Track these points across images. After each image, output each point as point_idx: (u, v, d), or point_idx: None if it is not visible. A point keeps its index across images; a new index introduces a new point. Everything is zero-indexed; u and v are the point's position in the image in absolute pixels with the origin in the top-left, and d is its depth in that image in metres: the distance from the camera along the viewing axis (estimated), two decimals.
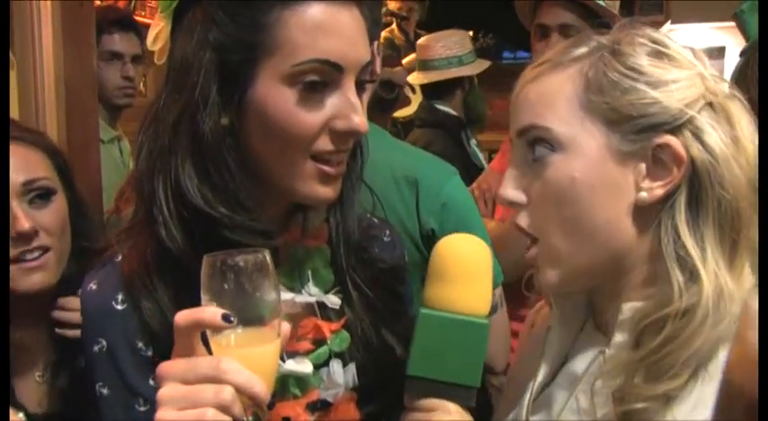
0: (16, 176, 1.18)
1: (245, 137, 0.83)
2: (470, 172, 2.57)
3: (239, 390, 0.66)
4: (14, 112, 1.77)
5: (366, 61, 0.84)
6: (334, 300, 0.92)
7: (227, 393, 0.66)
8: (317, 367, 0.90)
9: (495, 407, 1.99)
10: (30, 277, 1.18)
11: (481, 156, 2.95)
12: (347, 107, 0.83)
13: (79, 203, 1.30)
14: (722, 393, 0.32)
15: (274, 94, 0.81)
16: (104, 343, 0.85)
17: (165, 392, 0.67)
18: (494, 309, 1.47)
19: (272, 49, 0.80)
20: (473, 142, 2.91)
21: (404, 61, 3.06)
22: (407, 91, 2.85)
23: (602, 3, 1.93)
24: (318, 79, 0.81)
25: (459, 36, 2.90)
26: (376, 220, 1.06)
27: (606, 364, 0.81)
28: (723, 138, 0.78)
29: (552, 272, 0.84)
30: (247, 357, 0.68)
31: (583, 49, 0.84)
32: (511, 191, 0.85)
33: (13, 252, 1.16)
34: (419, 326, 0.80)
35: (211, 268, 0.70)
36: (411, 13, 3.86)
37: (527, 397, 0.90)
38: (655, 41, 0.82)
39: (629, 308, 0.81)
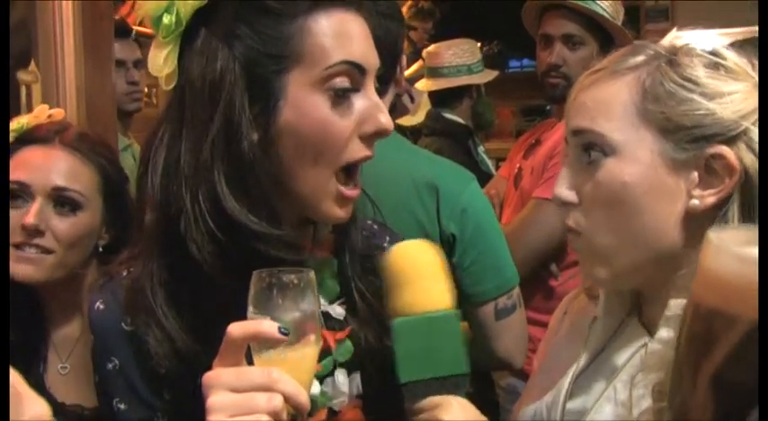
0: (54, 178, 1.26)
1: (275, 150, 0.83)
2: (480, 179, 2.60)
3: (287, 399, 0.70)
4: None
5: (378, 66, 0.87)
6: (339, 311, 0.93)
7: (278, 401, 0.69)
8: (322, 377, 0.91)
9: (501, 405, 2.03)
10: (20, 266, 1.24)
11: (490, 163, 2.97)
12: (373, 108, 0.85)
13: (122, 227, 1.33)
14: (688, 311, 0.39)
15: (306, 102, 0.82)
16: (117, 361, 0.87)
17: (216, 400, 0.69)
18: (512, 309, 1.52)
19: (301, 57, 0.82)
20: (481, 149, 2.93)
21: (407, 72, 3.08)
22: (406, 100, 2.87)
23: (605, 14, 1.98)
24: (349, 85, 0.83)
25: (468, 45, 2.92)
26: (376, 227, 1.06)
27: (649, 358, 0.83)
28: None
29: (602, 269, 0.86)
30: (290, 368, 0.72)
31: (640, 58, 0.84)
32: (564, 190, 0.87)
33: (18, 239, 1.24)
34: (396, 335, 0.82)
35: (262, 283, 0.73)
36: (420, 24, 3.89)
37: (566, 382, 0.92)
38: (712, 53, 0.82)
39: (676, 304, 0.82)
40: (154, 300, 0.84)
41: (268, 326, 0.71)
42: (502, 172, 2.36)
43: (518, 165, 2.16)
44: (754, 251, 0.36)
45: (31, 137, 1.29)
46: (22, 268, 1.24)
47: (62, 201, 1.26)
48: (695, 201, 0.80)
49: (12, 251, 1.24)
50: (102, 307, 0.88)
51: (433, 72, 2.90)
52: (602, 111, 0.83)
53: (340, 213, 0.88)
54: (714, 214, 0.80)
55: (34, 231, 1.23)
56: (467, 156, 2.78)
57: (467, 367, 0.84)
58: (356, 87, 0.84)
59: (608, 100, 0.84)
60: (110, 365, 0.87)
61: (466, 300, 1.51)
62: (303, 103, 0.82)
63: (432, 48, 3.00)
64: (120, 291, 0.88)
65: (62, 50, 1.86)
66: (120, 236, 1.33)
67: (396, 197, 1.43)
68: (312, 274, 0.75)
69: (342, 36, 0.83)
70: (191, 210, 0.82)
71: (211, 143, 0.82)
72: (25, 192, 1.25)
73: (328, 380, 0.91)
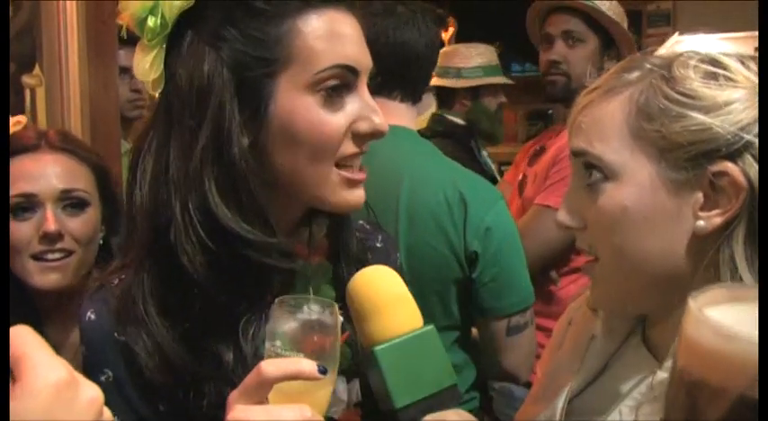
0: (57, 183, 1.28)
1: (267, 153, 0.82)
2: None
3: None
4: (42, 126, 1.85)
5: (371, 66, 0.86)
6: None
7: None
8: None
9: (494, 408, 2.04)
10: (47, 276, 1.27)
11: (493, 166, 2.95)
12: (367, 109, 0.84)
13: (117, 221, 1.38)
14: (674, 378, 0.38)
15: (298, 104, 0.80)
16: (110, 373, 0.84)
17: None
18: (524, 326, 1.55)
19: (291, 60, 0.80)
20: (484, 153, 2.91)
21: None
22: None
23: (603, 8, 1.99)
24: (340, 83, 0.81)
25: (479, 49, 2.87)
26: (368, 227, 1.05)
27: (657, 387, 0.79)
28: None
29: (604, 291, 0.85)
30: (311, 404, 0.71)
31: (635, 74, 0.81)
32: (566, 215, 0.85)
33: (38, 249, 1.26)
34: (381, 363, 0.79)
35: (285, 313, 0.72)
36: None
37: (560, 403, 0.90)
38: (710, 61, 0.77)
39: None
40: (145, 309, 0.82)
41: (309, 367, 0.70)
42: (507, 177, 2.36)
43: (523, 172, 2.17)
44: (734, 326, 0.36)
45: (16, 147, 1.30)
46: (48, 277, 1.27)
47: (71, 202, 1.30)
48: (701, 223, 0.76)
49: (31, 263, 1.26)
50: (93, 317, 0.86)
51: (444, 72, 2.88)
52: (597, 133, 0.80)
53: (352, 198, 0.86)
54: (721, 233, 0.76)
55: (57, 236, 1.26)
56: (470, 157, 2.77)
57: (454, 377, 0.83)
58: (348, 88, 0.83)
59: (603, 121, 0.80)
60: (102, 377, 0.84)
61: (480, 314, 1.55)
62: (294, 105, 0.80)
63: (446, 48, 2.98)
64: (111, 300, 0.85)
65: (66, 54, 1.86)
66: (115, 227, 1.37)
67: (429, 209, 1.47)
68: (336, 308, 0.74)
69: (333, 37, 0.81)
70: (180, 220, 0.80)
71: (201, 150, 0.79)
72: (33, 202, 1.27)
73: None
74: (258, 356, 0.81)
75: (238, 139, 0.79)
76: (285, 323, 0.72)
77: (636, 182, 0.78)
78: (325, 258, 0.94)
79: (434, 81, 2.84)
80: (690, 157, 0.75)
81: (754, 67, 0.77)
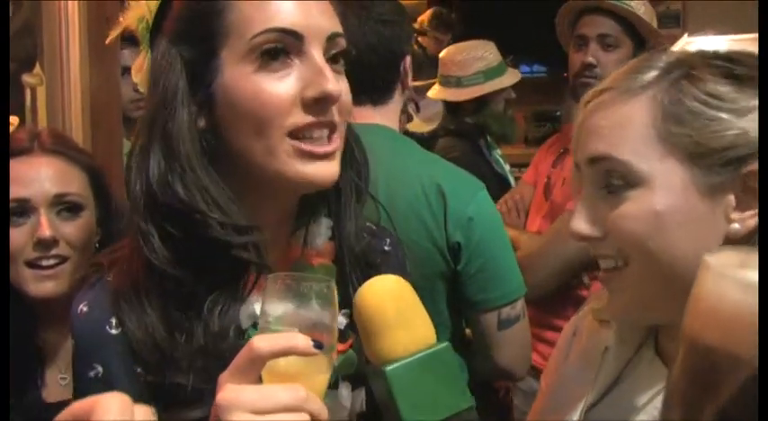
0: (50, 187, 1.25)
1: (222, 133, 0.83)
2: (493, 180, 2.57)
3: (312, 418, 0.66)
4: (43, 126, 1.84)
5: (331, 33, 0.83)
6: (340, 320, 0.85)
7: None
8: None
9: (517, 406, 2.01)
10: (42, 283, 1.24)
11: (507, 166, 2.91)
12: (315, 73, 0.80)
13: (112, 224, 1.35)
14: (683, 344, 0.33)
15: (237, 75, 0.80)
16: (100, 369, 0.83)
17: None
18: (516, 319, 1.51)
19: (228, 33, 0.81)
20: (497, 152, 2.88)
21: (417, 83, 3.00)
22: (411, 109, 2.80)
23: (639, 12, 1.97)
24: (277, 47, 0.80)
25: (480, 50, 2.80)
26: (375, 228, 1.03)
27: None
28: None
29: (629, 300, 0.81)
30: (308, 385, 0.67)
31: (652, 73, 0.78)
32: (584, 225, 0.81)
33: (32, 255, 1.23)
34: (392, 385, 0.75)
35: (279, 290, 0.69)
36: (440, 35, 3.83)
37: (576, 417, 0.87)
38: (730, 60, 0.76)
39: None
40: (134, 291, 0.82)
41: (303, 342, 0.66)
42: (526, 177, 2.33)
43: (546, 174, 2.14)
44: (755, 277, 0.32)
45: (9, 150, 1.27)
46: (44, 285, 1.24)
47: (65, 206, 1.27)
48: (736, 226, 0.74)
49: (26, 271, 1.23)
50: (85, 309, 0.85)
51: (445, 81, 2.85)
52: (621, 137, 0.76)
53: (310, 172, 0.81)
54: (754, 235, 0.73)
55: (51, 242, 1.23)
56: (478, 154, 2.75)
57: (469, 398, 0.79)
58: (292, 53, 0.81)
59: (625, 123, 0.77)
60: (91, 373, 0.83)
61: (470, 308, 1.51)
62: (234, 76, 0.80)
63: (444, 53, 2.94)
64: (105, 293, 0.85)
65: (67, 53, 1.85)
66: (111, 230, 1.34)
67: (407, 202, 1.45)
68: (332, 284, 0.71)
69: (270, 3, 0.80)
70: (138, 201, 0.81)
71: (148, 129, 0.82)
72: (26, 207, 1.24)
73: (331, 393, 0.85)
74: (228, 336, 0.80)
75: (183, 119, 0.81)
76: (279, 300, 0.68)
77: (666, 187, 0.75)
78: (331, 261, 0.92)
79: (439, 92, 2.82)
80: (724, 162, 0.73)
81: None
